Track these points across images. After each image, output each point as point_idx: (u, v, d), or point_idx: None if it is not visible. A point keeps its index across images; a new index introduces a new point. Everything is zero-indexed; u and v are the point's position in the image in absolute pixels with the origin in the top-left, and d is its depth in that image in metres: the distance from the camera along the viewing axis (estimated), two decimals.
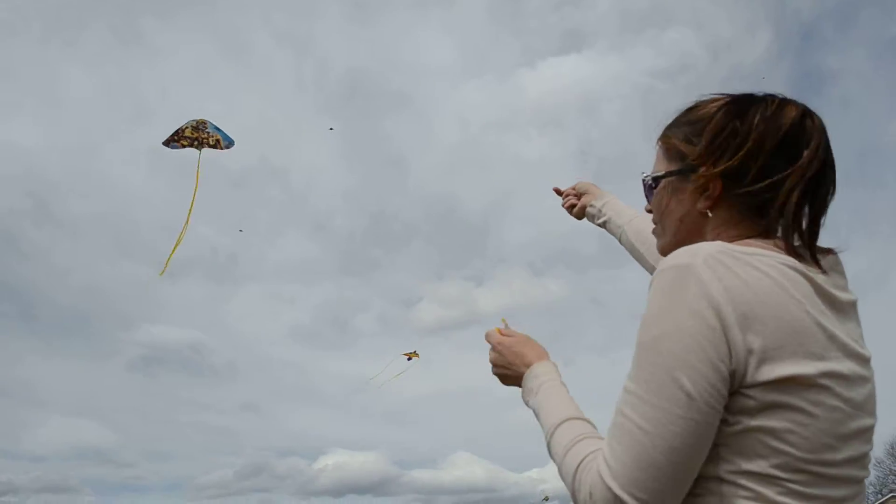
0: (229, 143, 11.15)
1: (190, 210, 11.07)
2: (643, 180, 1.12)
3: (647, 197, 1.13)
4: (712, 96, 1.05)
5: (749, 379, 0.84)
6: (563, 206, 1.83)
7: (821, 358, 0.85)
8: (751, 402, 0.85)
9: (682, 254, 0.88)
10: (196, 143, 11.01)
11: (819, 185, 0.97)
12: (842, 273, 0.99)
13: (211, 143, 11.03)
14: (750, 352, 0.83)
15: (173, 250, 11.10)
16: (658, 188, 1.09)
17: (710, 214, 1.02)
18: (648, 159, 1.14)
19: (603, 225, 1.72)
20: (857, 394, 0.89)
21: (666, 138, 1.09)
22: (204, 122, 11.11)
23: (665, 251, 1.06)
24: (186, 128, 11.01)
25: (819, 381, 0.85)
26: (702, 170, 1.00)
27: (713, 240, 0.98)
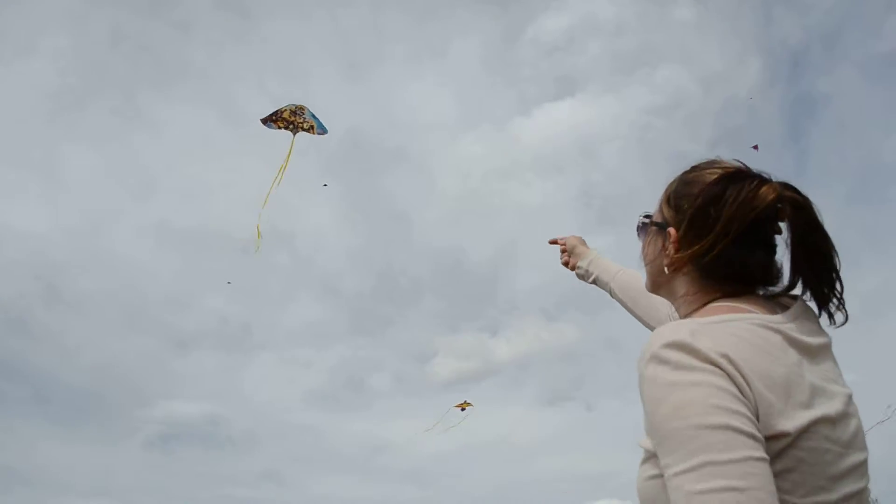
0: (323, 131, 11.62)
1: (274, 186, 11.56)
2: (638, 220, 1.23)
3: (638, 235, 1.23)
4: (711, 166, 1.11)
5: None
6: (561, 262, 1.95)
7: (808, 406, 0.89)
8: None
9: (666, 333, 0.91)
10: (291, 126, 11.50)
11: (811, 254, 1.03)
12: (812, 318, 1.04)
13: (305, 127, 11.50)
14: (756, 408, 0.86)
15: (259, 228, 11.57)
16: (646, 231, 1.20)
17: (666, 272, 1.12)
18: (650, 196, 1.22)
19: (594, 283, 1.84)
20: (843, 433, 0.91)
21: (666, 188, 1.16)
22: (302, 108, 11.59)
23: (648, 289, 1.21)
24: (285, 110, 11.50)
25: (809, 428, 0.88)
26: (672, 233, 1.10)
27: (682, 295, 1.10)
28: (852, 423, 0.94)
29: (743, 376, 0.87)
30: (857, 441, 0.93)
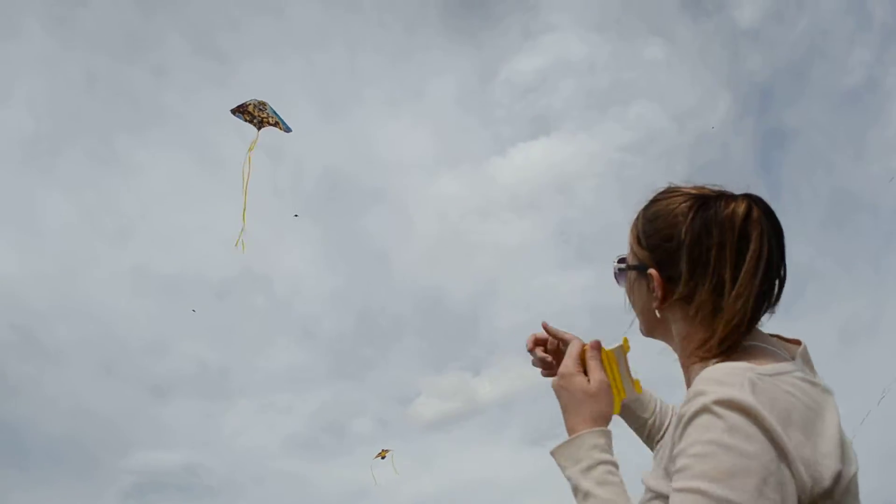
0: (287, 129, 11.99)
1: (245, 189, 11.69)
2: (614, 267, 1.17)
3: (617, 281, 1.18)
4: (674, 193, 1.08)
5: (815, 490, 0.84)
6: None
7: (850, 462, 0.88)
8: None
9: (724, 383, 0.85)
10: (256, 121, 11.78)
11: (767, 279, 0.97)
12: (811, 362, 1.00)
13: (271, 122, 11.83)
14: (807, 464, 0.83)
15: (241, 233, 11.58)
16: (625, 276, 1.16)
17: (658, 315, 1.07)
18: (626, 233, 1.17)
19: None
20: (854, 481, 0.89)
21: (632, 228, 1.13)
22: (264, 104, 11.89)
23: (644, 334, 1.16)
24: (250, 104, 11.74)
25: (850, 482, 0.87)
26: (654, 274, 1.05)
27: (683, 336, 1.05)
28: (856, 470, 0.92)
29: (796, 450, 0.83)
30: (856, 489, 0.91)
